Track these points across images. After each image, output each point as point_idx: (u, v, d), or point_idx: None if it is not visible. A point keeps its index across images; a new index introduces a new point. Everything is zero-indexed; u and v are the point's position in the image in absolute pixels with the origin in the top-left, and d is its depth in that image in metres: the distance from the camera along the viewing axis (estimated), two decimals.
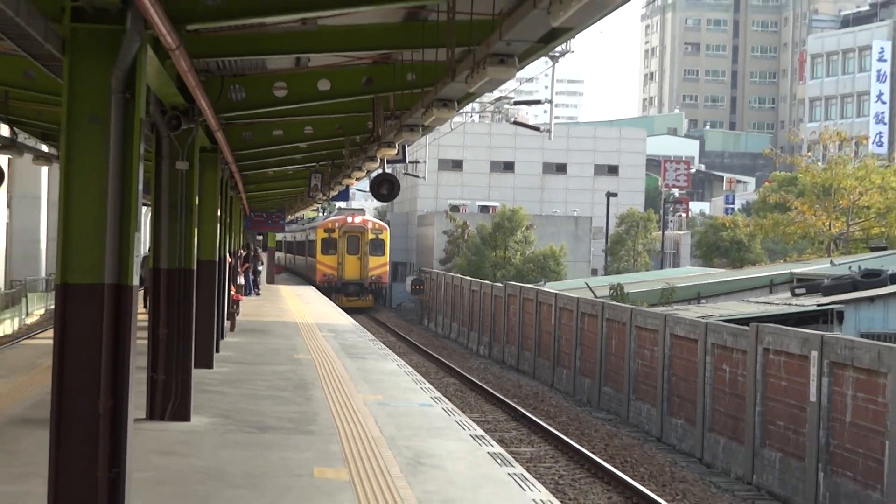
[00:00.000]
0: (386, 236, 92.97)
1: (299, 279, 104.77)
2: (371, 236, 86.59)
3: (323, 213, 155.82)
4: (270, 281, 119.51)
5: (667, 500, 28.82)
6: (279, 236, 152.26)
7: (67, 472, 13.48)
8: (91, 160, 13.52)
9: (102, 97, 13.47)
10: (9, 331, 50.99)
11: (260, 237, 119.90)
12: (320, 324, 46.25)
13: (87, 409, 13.52)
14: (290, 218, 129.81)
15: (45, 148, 37.44)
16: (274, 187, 46.23)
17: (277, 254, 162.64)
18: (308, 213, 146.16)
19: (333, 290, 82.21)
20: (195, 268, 25.40)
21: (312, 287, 78.28)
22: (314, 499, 17.38)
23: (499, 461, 20.88)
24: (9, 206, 60.67)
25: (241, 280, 59.83)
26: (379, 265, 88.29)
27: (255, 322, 45.77)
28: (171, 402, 23.50)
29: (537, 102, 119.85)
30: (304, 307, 57.89)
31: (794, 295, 42.97)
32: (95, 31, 13.44)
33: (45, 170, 59.80)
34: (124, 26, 13.12)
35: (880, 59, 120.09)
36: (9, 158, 34.49)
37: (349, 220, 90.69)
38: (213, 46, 19.44)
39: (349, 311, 56.23)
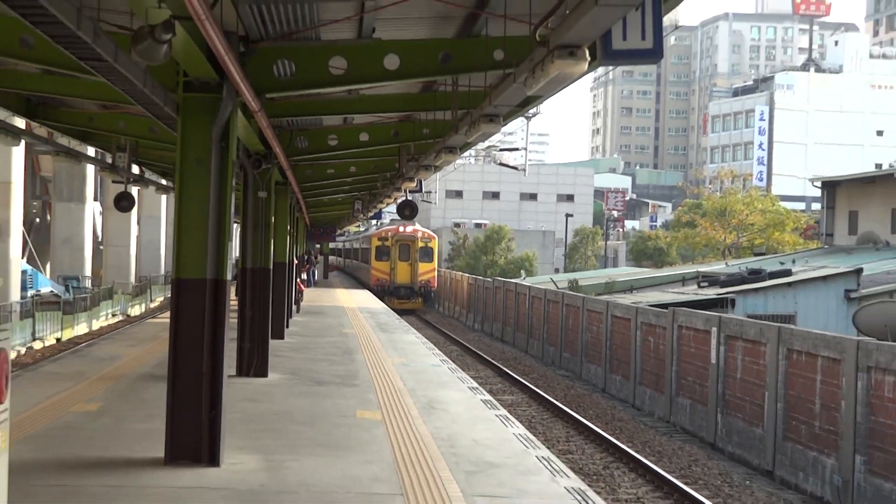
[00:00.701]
0: (434, 244, 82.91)
1: (354, 282, 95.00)
2: (421, 244, 77.52)
3: (364, 228, 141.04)
4: (325, 276, 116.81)
5: (609, 433, 28.76)
6: (335, 244, 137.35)
7: (180, 414, 13.85)
8: (197, 191, 13.91)
9: (205, 146, 13.87)
10: (137, 312, 51.29)
11: (318, 245, 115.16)
12: (361, 308, 46.42)
13: (193, 368, 13.90)
14: (339, 231, 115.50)
15: (164, 182, 37.57)
16: (327, 210, 47.06)
17: (334, 258, 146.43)
18: (352, 227, 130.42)
19: (386, 292, 73.90)
20: (272, 267, 25.70)
21: (367, 291, 71.73)
22: (356, 433, 17.10)
23: (488, 406, 21.00)
24: (138, 223, 61.72)
25: (304, 276, 60.92)
26: (428, 270, 77.94)
27: (315, 306, 45.82)
28: (253, 363, 23.65)
29: (515, 149, 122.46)
30: (349, 296, 58.31)
31: (700, 287, 43.80)
32: (200, 99, 13.89)
33: (164, 198, 60.42)
34: (221, 95, 13.71)
35: (760, 119, 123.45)
36: (138, 189, 34.72)
37: (401, 229, 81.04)
38: (284, 109, 19.93)
39: (400, 312, 51.82)
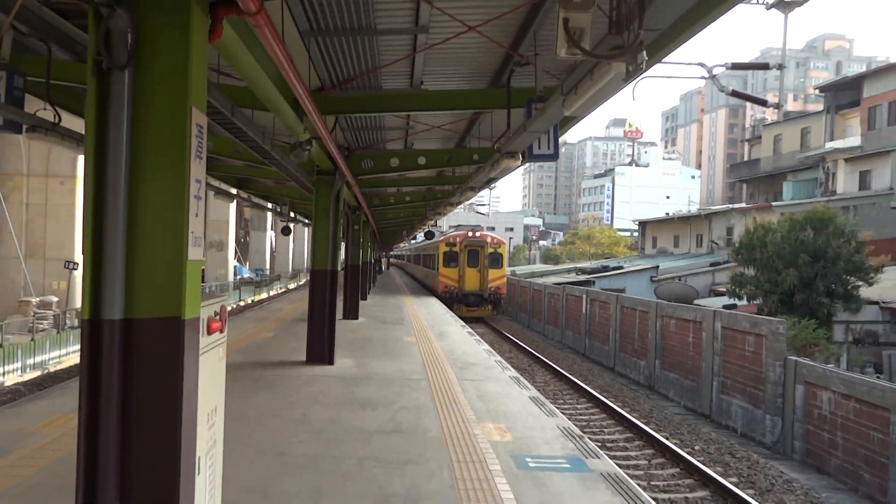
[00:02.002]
0: (504, 250, 48.91)
1: (420, 288, 55.34)
2: (490, 250, 45.82)
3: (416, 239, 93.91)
4: (387, 268, 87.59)
5: (532, 349, 27.08)
6: (401, 252, 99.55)
7: (312, 339, 14.20)
8: (323, 226, 14.13)
9: (327, 203, 14.04)
10: (293, 286, 51.74)
11: (383, 253, 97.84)
12: (413, 296, 45.30)
13: (321, 315, 14.09)
14: (398, 244, 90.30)
15: (306, 221, 37.42)
16: (389, 225, 45.10)
17: (398, 262, 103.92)
18: (404, 242, 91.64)
19: (455, 300, 45.63)
20: (360, 264, 25.59)
21: (435, 299, 43.06)
22: (403, 348, 16.81)
23: (470, 335, 20.12)
24: (293, 242, 62.17)
25: (379, 268, 62.29)
26: (497, 277, 46.22)
27: (382, 291, 45.06)
28: (352, 313, 23.06)
29: (483, 204, 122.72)
30: (404, 285, 55.85)
31: (577, 275, 44.87)
32: (325, 179, 14.02)
33: (306, 230, 60.35)
34: (335, 177, 13.96)
35: (607, 190, 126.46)
36: (293, 225, 34.43)
37: (470, 234, 47.71)
38: (366, 185, 19.63)
39: (468, 320, 34.99)
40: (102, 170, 3.95)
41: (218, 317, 4.63)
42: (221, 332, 4.73)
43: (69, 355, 19.69)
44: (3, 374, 17.26)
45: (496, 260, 38.59)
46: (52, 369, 19.00)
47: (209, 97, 8.22)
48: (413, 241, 77.51)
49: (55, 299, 27.35)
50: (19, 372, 17.83)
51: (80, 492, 3.91)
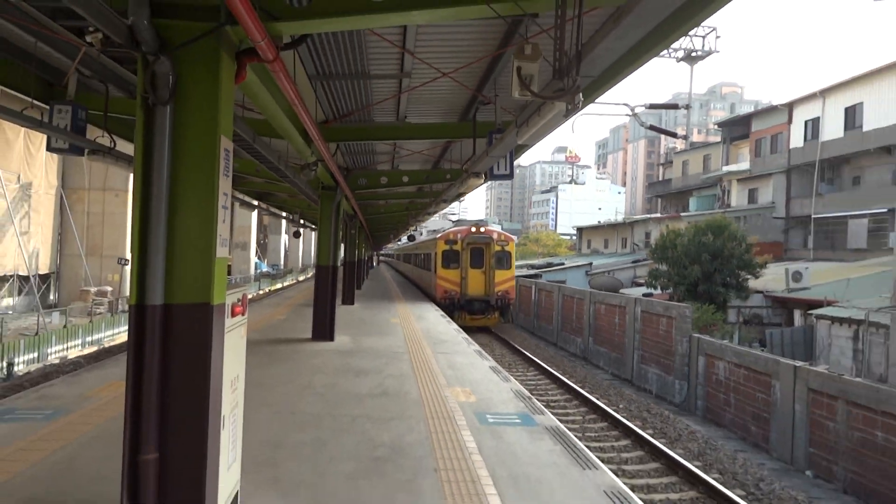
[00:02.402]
0: (512, 248, 28.01)
1: (415, 291, 33.90)
2: (497, 248, 26.86)
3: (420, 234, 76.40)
4: (377, 264, 79.42)
5: (495, 331, 26.34)
6: (391, 249, 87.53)
7: (317, 320, 14.02)
8: (326, 230, 13.95)
9: (330, 212, 13.91)
10: (302, 279, 50.97)
11: (374, 251, 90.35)
12: (398, 288, 44.94)
13: (324, 301, 13.96)
14: (387, 245, 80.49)
15: (313, 227, 37.18)
16: (381, 229, 43.94)
17: (388, 260, 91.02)
18: (393, 243, 78.88)
19: (456, 307, 26.79)
20: (356, 260, 25.44)
21: (432, 304, 26.08)
22: (390, 328, 16.55)
23: (442, 316, 19.89)
24: (302, 243, 60.98)
25: (372, 263, 61.02)
26: (505, 279, 26.93)
27: (372, 283, 44.81)
28: (349, 299, 22.89)
29: (455, 213, 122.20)
30: (391, 278, 55.52)
31: (528, 270, 43.86)
32: (328, 194, 13.86)
33: (313, 234, 59.76)
34: (336, 192, 13.82)
35: (552, 203, 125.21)
36: (303, 230, 34.34)
37: (473, 230, 27.89)
38: (361, 196, 19.58)
39: (469, 329, 24.05)
40: (148, 185, 3.98)
41: (240, 303, 4.63)
42: (243, 314, 4.73)
43: (120, 334, 19.53)
44: (67, 349, 17.10)
45: (503, 259, 26.70)
46: (106, 345, 18.83)
47: (235, 127, 8.18)
48: (405, 240, 60.58)
49: (110, 289, 27.42)
50: (80, 347, 17.66)
51: (127, 443, 3.93)
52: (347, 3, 4.21)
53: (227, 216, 4.28)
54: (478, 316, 26.09)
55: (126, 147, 9.00)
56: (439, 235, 28.25)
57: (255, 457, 6.21)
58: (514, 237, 26.65)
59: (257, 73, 5.52)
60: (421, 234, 56.14)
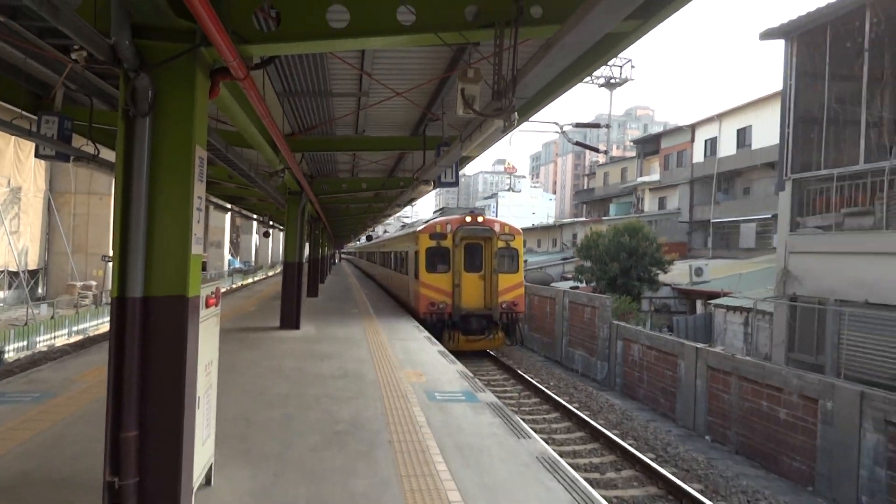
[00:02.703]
0: (520, 244, 15.25)
1: (389, 301, 21.51)
2: (500, 244, 14.34)
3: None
4: (339, 261, 73.94)
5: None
6: (352, 248, 77.04)
7: (284, 310, 13.70)
8: (293, 231, 13.65)
9: (295, 215, 13.64)
10: (271, 273, 49.96)
11: (337, 249, 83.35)
12: (358, 277, 44.35)
13: (290, 293, 13.68)
14: (349, 243, 73.47)
15: (281, 227, 36.53)
16: (342, 231, 42.85)
17: (353, 259, 74.83)
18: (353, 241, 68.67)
19: (446, 325, 14.85)
20: (320, 257, 25.05)
21: (415, 325, 14.82)
22: (352, 317, 16.24)
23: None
24: (272, 242, 59.75)
25: (334, 260, 59.55)
26: (513, 286, 14.70)
27: (335, 277, 44.12)
28: (314, 292, 22.44)
29: (408, 217, 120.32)
30: (351, 272, 54.80)
31: None
32: (294, 198, 13.54)
33: (281, 234, 58.71)
34: (301, 197, 13.55)
35: (493, 207, 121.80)
36: (272, 230, 33.52)
37: (467, 220, 15.01)
38: (324, 200, 19.30)
39: (461, 355, 15.19)
40: (129, 189, 3.87)
41: (214, 295, 4.57)
42: (216, 306, 4.65)
43: (104, 324, 18.87)
44: (54, 338, 16.47)
45: (510, 259, 16.80)
46: (91, 334, 18.20)
47: (209, 137, 8.00)
48: (374, 234, 49.34)
49: (94, 283, 26.65)
50: (67, 336, 17.03)
51: (110, 422, 3.82)
52: (311, 29, 4.15)
53: (202, 217, 4.18)
54: (476, 337, 16.56)
55: (109, 154, 8.80)
56: (421, 227, 17.89)
57: (227, 432, 6.09)
58: (520, 231, 17.26)
59: (230, 89, 5.44)
60: (378, 235, 51.64)
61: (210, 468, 4.80)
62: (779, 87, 18.12)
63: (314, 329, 13.98)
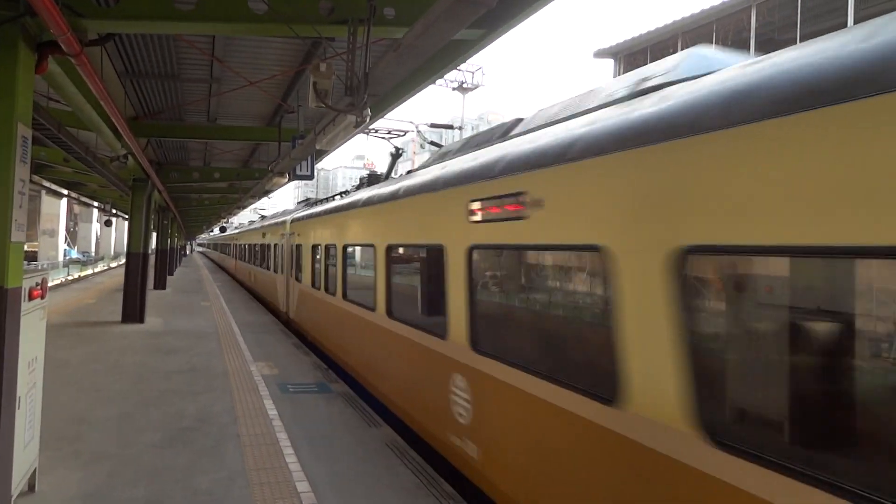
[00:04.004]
0: None
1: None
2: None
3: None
4: (191, 252, 74.61)
5: None
6: (207, 238, 69.04)
7: (127, 303, 12.82)
8: (138, 222, 12.91)
9: (141, 203, 12.86)
10: (114, 265, 45.90)
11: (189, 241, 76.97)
12: (212, 269, 42.06)
13: (134, 285, 12.84)
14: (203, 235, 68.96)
15: (125, 216, 33.91)
16: (195, 221, 40.26)
17: (207, 250, 65.48)
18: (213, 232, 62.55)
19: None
20: (168, 249, 23.75)
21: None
22: (201, 311, 15.29)
23: (251, 300, 19.34)
24: (115, 231, 54.69)
25: (185, 251, 55.59)
26: None
27: (186, 269, 41.69)
28: (161, 284, 21.11)
29: (264, 209, 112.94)
30: (203, 264, 51.84)
31: None
32: (140, 185, 12.77)
33: (126, 223, 54.08)
34: (147, 185, 12.75)
35: None
36: (114, 220, 30.47)
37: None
38: (176, 190, 18.24)
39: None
40: None
41: (39, 287, 4.11)
42: (42, 298, 4.20)
43: None
44: None
45: None
46: None
47: (37, 115, 7.18)
48: (229, 225, 42.96)
49: None
50: None
51: None
52: (153, 8, 3.87)
53: (24, 202, 3.75)
54: None
55: None
56: (360, 197, 7.82)
57: (58, 433, 5.56)
58: None
59: (62, 65, 4.92)
60: (235, 227, 46.11)
61: (34, 473, 4.34)
62: None
63: (160, 322, 13.13)
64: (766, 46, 12.82)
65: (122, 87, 7.82)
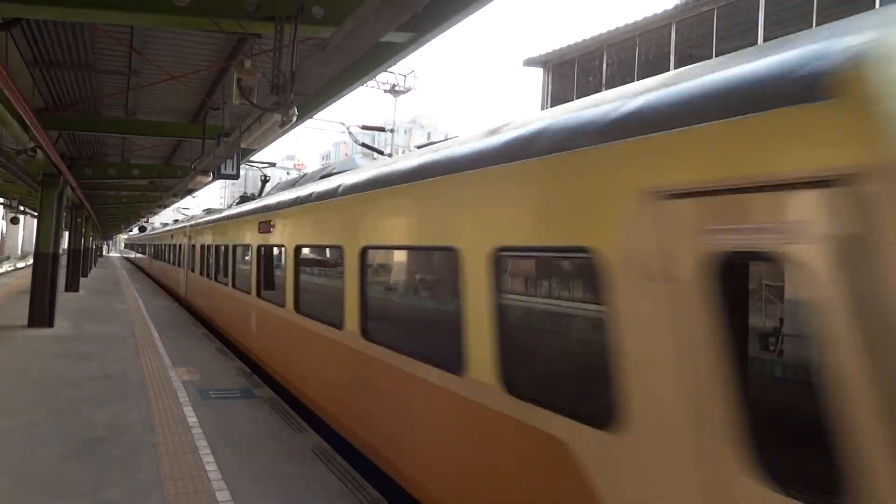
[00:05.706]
0: None
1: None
2: None
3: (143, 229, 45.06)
4: (108, 252, 72.97)
5: None
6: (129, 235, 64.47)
7: (34, 306, 12.10)
8: (48, 217, 12.22)
9: (52, 200, 12.19)
10: (21, 265, 43.02)
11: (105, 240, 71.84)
12: (130, 271, 40.29)
13: (43, 287, 12.13)
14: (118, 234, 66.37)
15: (35, 213, 32.00)
16: (112, 219, 38.46)
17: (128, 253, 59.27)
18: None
19: None
20: (82, 248, 22.58)
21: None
22: (117, 314, 14.77)
23: (170, 300, 18.65)
24: (23, 229, 51.17)
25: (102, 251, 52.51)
26: None
27: (101, 270, 39.76)
28: (73, 286, 20.17)
29: (188, 208, 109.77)
30: (121, 265, 49.51)
31: None
32: (51, 181, 12.13)
33: (35, 220, 50.74)
34: (59, 181, 12.10)
35: None
36: (21, 218, 28.99)
37: None
38: (90, 188, 17.42)
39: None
40: None
41: None
42: None
43: None
44: None
45: None
46: None
47: None
48: (150, 225, 41.43)
49: None
50: None
51: None
52: None
53: None
54: None
55: None
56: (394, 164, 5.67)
57: None
58: None
59: None
60: (154, 227, 43.54)
61: None
62: (538, 108, 20.13)
63: (71, 326, 12.44)
64: (685, 61, 13.46)
65: (31, 76, 7.34)
